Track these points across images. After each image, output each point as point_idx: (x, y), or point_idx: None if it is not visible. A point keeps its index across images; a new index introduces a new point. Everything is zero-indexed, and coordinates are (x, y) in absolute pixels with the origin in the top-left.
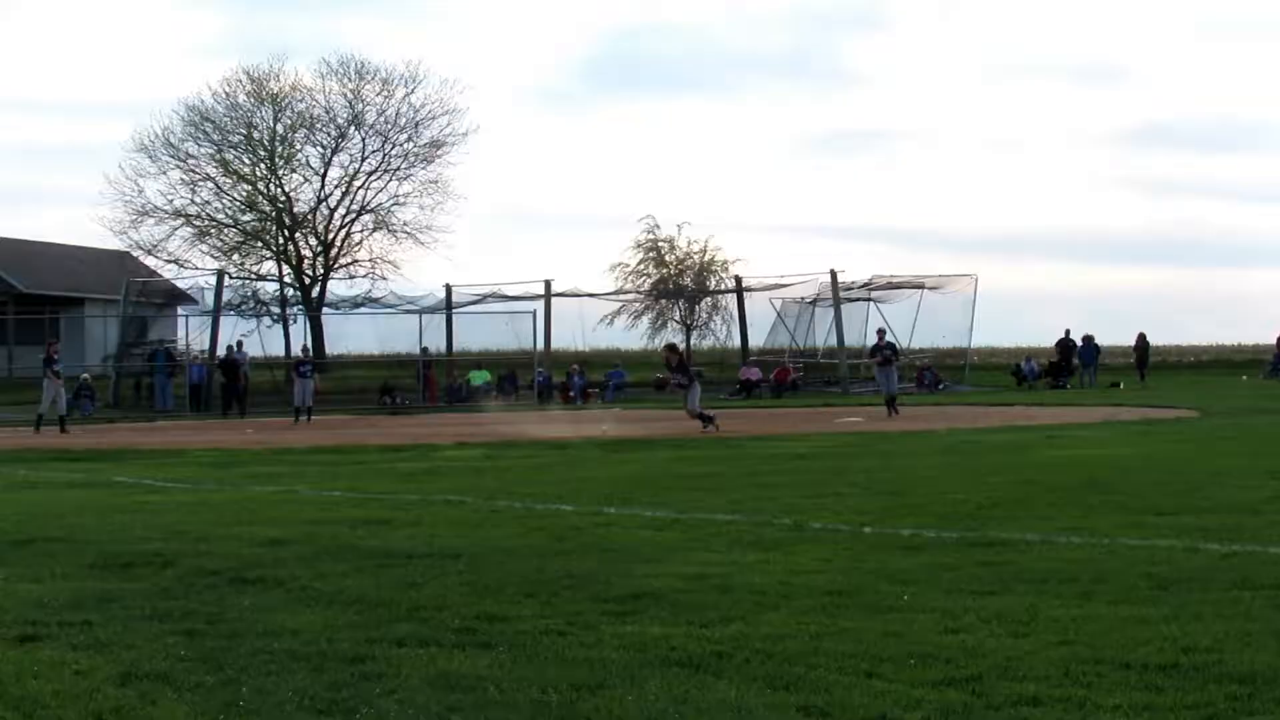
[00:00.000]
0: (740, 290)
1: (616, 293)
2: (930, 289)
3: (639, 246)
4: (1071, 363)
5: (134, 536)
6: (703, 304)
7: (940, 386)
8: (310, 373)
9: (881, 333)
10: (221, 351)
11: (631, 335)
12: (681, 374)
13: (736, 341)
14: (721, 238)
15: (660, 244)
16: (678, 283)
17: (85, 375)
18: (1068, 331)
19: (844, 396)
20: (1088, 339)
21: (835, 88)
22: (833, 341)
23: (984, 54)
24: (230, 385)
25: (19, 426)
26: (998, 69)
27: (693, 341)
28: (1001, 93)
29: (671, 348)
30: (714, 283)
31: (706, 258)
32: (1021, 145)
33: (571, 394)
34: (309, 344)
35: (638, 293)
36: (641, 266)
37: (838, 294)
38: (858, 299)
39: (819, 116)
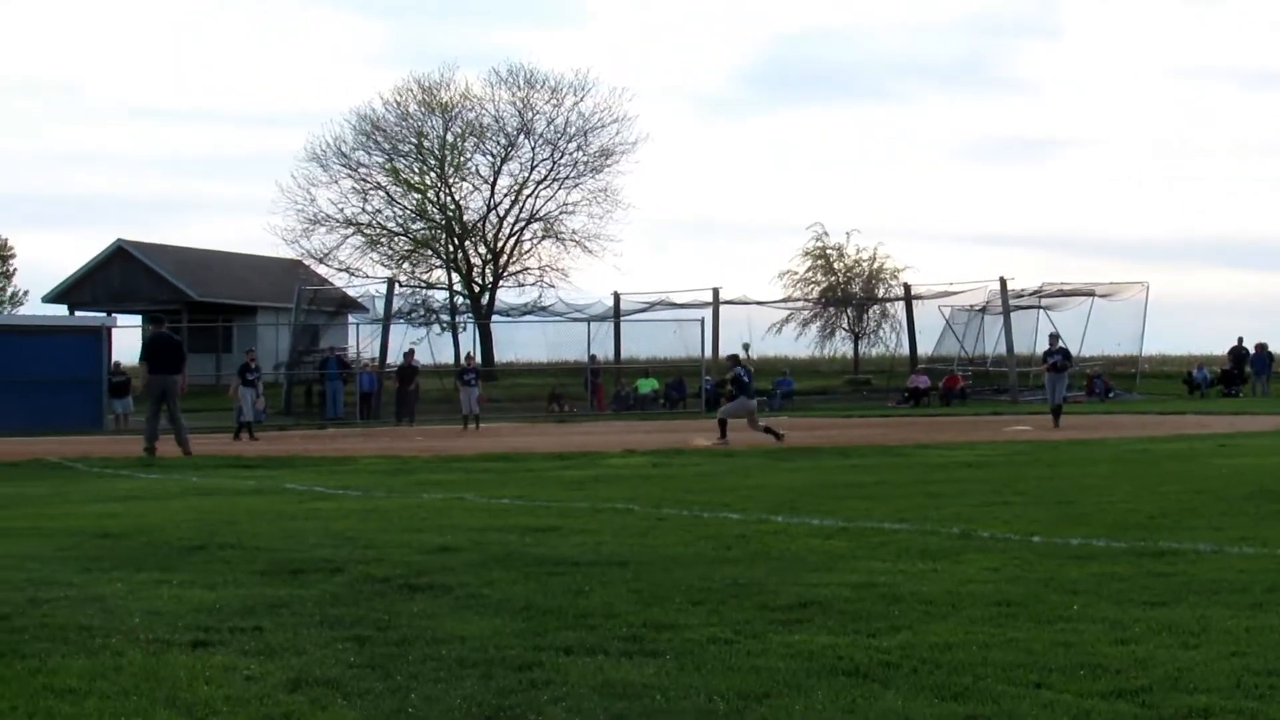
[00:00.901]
0: (909, 298)
1: (784, 300)
2: (1101, 296)
3: (807, 254)
4: (1244, 371)
5: (305, 543)
6: (871, 312)
7: (1110, 395)
8: (475, 380)
9: (1054, 337)
10: (394, 359)
11: (800, 343)
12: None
13: (905, 349)
14: (890, 245)
15: (829, 251)
16: (846, 290)
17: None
18: (1240, 339)
19: (1013, 405)
20: (1260, 347)
21: (1001, 94)
22: (1002, 349)
23: (1153, 59)
24: (404, 392)
25: (192, 434)
26: (1166, 74)
27: (861, 349)
28: (1170, 98)
29: (734, 359)
30: (882, 291)
31: (875, 265)
32: (1191, 151)
33: None
34: (475, 351)
35: (806, 300)
36: (809, 274)
37: (1007, 302)
38: (1027, 306)
39: (985, 123)
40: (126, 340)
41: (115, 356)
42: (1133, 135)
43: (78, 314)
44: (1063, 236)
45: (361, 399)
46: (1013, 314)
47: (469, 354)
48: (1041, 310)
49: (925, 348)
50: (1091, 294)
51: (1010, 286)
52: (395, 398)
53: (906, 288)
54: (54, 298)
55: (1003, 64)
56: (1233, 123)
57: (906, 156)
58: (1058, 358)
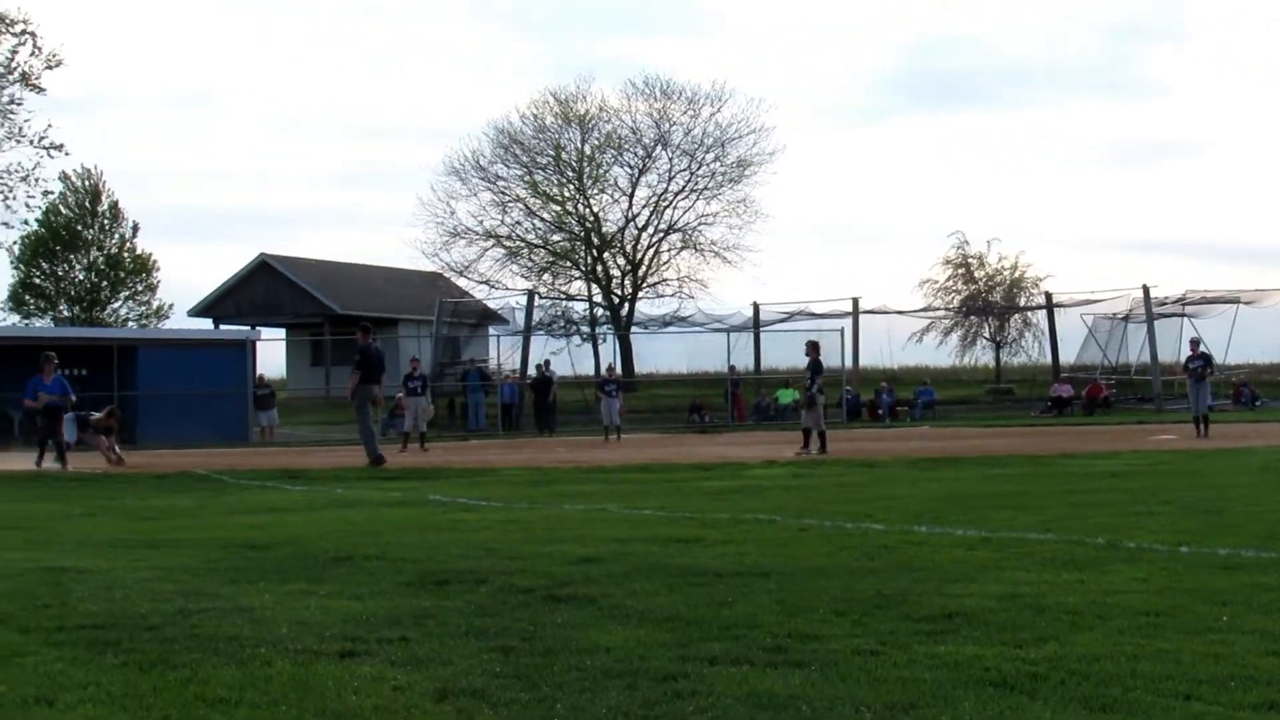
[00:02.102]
0: (1050, 306)
1: (925, 309)
2: (1246, 304)
3: (948, 263)
4: None
5: (449, 554)
6: (1012, 320)
7: (1257, 403)
8: (616, 391)
9: (1195, 343)
10: (532, 371)
11: (940, 352)
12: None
13: (1047, 358)
14: (1031, 253)
15: (969, 260)
16: (987, 299)
17: (399, 395)
18: None
19: (1158, 414)
20: None
21: (1139, 98)
22: (1146, 358)
23: None
24: (543, 403)
25: (336, 446)
26: None
27: (1003, 358)
28: None
29: (814, 345)
30: (1023, 299)
31: (1016, 274)
32: None
33: (880, 412)
34: (616, 362)
35: (946, 309)
36: (950, 283)
37: (1150, 310)
38: (1171, 314)
39: (1124, 127)
40: (270, 353)
41: (259, 369)
42: (1271, 137)
43: (222, 327)
44: (1206, 242)
45: (503, 410)
46: (1156, 322)
47: (610, 365)
48: (1186, 318)
49: (1068, 356)
50: (1236, 301)
51: (1153, 294)
52: (534, 409)
53: (1048, 296)
54: (199, 311)
55: (1139, 68)
56: None
57: (1046, 162)
58: (1199, 364)
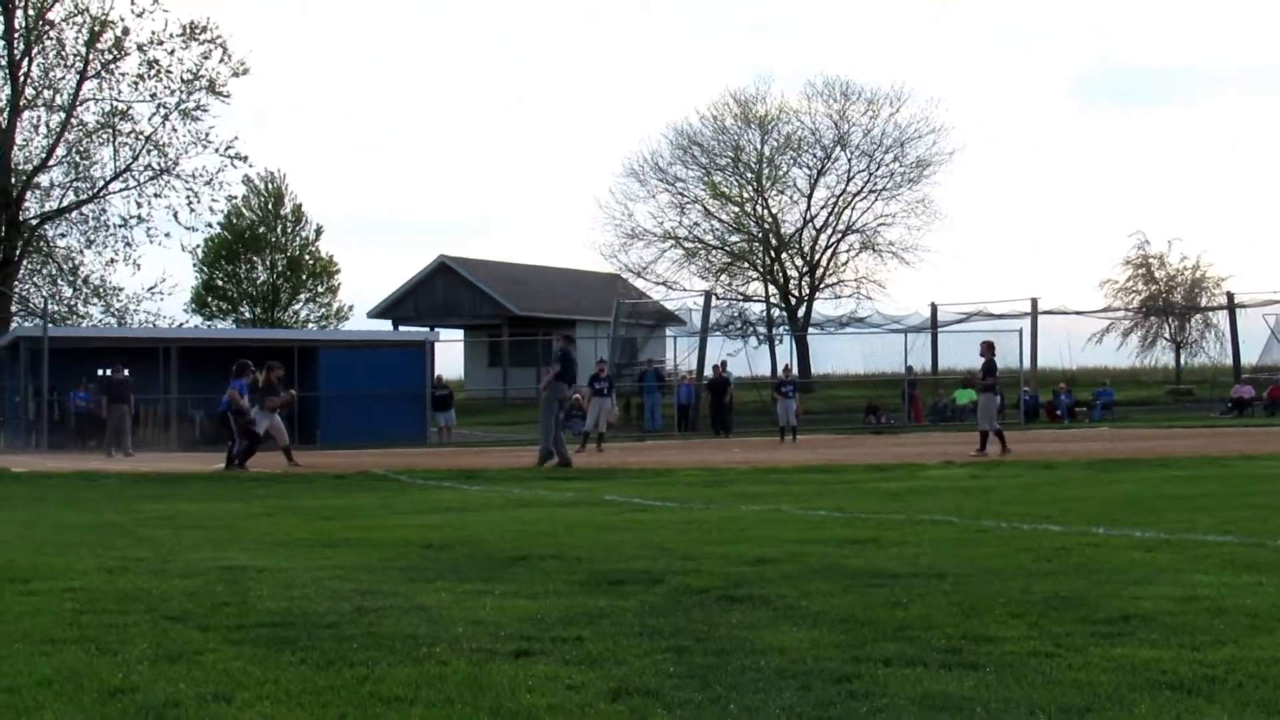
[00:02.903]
0: (1232, 306)
1: (1104, 310)
2: None
3: (1128, 263)
4: None
5: (624, 554)
6: (1193, 321)
7: None
8: (793, 393)
9: None
10: (709, 372)
11: (1120, 354)
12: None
13: (1229, 359)
14: (1212, 253)
15: (1150, 260)
16: (1168, 300)
17: (576, 396)
18: None
19: None
20: None
21: None
22: None
23: None
24: (719, 404)
25: (513, 446)
26: None
27: (1183, 359)
28: None
29: (989, 346)
30: (1205, 299)
31: (1197, 274)
32: None
33: (1058, 413)
34: (792, 363)
35: (1126, 310)
36: (1130, 283)
37: None
38: None
39: None
40: (449, 354)
41: (438, 370)
42: None
43: (401, 329)
44: None
45: (679, 411)
46: None
47: (786, 365)
48: None
49: (1250, 357)
50: None
51: None
52: (710, 410)
53: (1229, 296)
54: (379, 313)
55: None
56: None
57: (1227, 160)
58: None
